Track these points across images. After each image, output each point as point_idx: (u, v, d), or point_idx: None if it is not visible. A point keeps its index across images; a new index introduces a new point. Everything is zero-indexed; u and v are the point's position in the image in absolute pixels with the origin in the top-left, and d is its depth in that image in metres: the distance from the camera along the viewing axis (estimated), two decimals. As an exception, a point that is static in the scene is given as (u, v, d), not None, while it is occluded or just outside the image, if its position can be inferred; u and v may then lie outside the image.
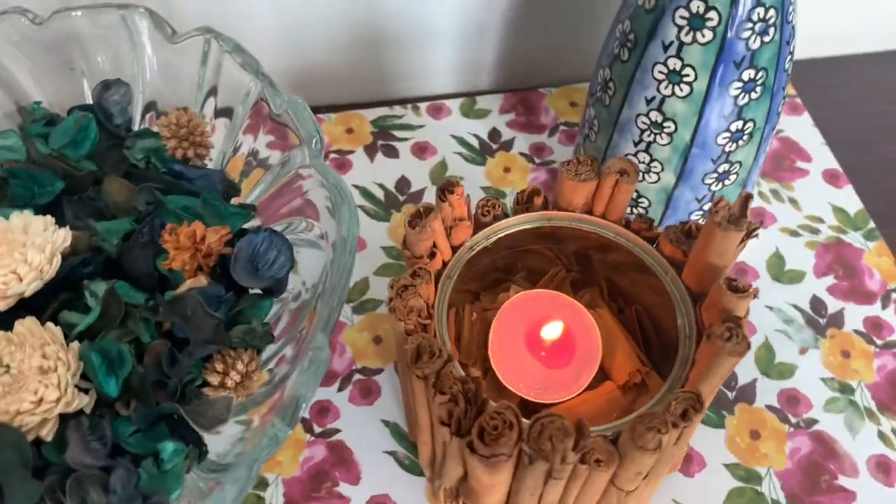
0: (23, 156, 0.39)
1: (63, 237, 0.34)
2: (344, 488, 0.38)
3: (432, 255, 0.32)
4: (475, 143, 0.52)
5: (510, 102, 0.54)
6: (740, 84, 0.37)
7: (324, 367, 0.28)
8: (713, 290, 0.30)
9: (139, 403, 0.32)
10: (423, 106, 0.54)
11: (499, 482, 0.29)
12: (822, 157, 0.51)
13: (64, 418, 0.30)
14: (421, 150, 0.51)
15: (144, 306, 0.34)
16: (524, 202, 0.35)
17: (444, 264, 0.33)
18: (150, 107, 0.42)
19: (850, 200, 0.49)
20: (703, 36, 0.35)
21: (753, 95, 0.37)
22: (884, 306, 0.45)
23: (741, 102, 0.38)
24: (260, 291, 0.36)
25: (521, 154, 0.51)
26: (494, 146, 0.52)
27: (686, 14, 0.35)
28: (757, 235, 0.30)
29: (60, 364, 0.31)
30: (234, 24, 0.47)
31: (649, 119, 0.39)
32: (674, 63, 0.37)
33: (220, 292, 0.34)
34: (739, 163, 0.41)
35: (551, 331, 0.33)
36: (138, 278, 0.35)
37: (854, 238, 0.47)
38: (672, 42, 0.36)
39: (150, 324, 0.34)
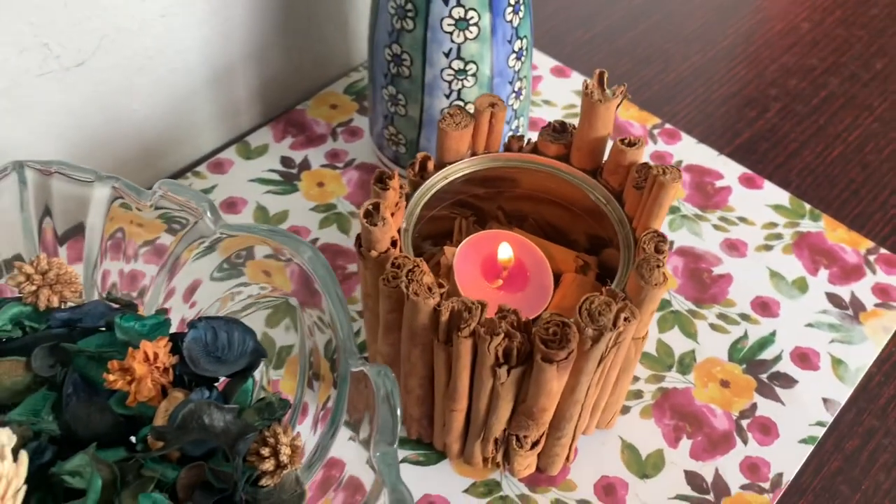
0: None
1: (8, 434, 0.29)
2: (391, 512, 0.38)
3: (394, 244, 0.33)
4: (276, 176, 0.52)
5: (279, 130, 0.55)
6: (510, 8, 0.43)
7: (391, 373, 0.29)
8: (612, 155, 0.36)
9: (204, 537, 0.29)
10: (202, 168, 0.52)
11: (561, 386, 0.32)
12: (540, 60, 0.61)
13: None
14: (231, 205, 0.50)
15: (140, 452, 0.31)
16: (419, 171, 0.37)
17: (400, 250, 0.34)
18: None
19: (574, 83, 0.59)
20: (473, -21, 0.41)
21: (520, 14, 0.44)
22: (654, 142, 0.55)
23: (515, 24, 0.44)
24: (226, 377, 0.34)
25: (323, 166, 0.53)
26: (295, 171, 0.53)
27: (453, -33, 0.40)
28: (628, 96, 0.36)
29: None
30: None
31: (453, 69, 0.44)
32: (458, 12, 0.42)
33: (205, 393, 0.32)
34: (525, 77, 0.47)
35: (504, 252, 0.37)
36: (104, 434, 0.32)
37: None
38: (450, -6, 0.41)
39: (157, 460, 0.30)
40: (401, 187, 0.36)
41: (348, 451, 0.32)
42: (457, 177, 0.38)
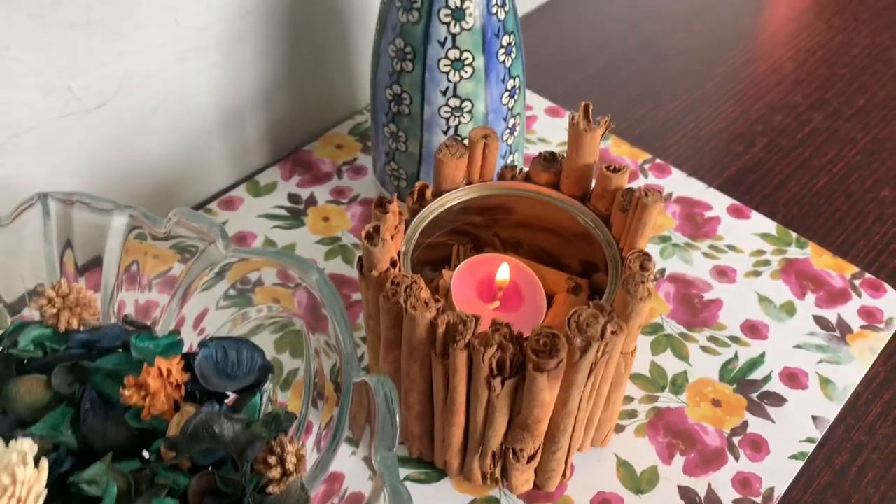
0: None
1: (29, 444, 0.31)
2: (393, 527, 0.40)
3: (394, 265, 0.35)
4: (284, 212, 0.55)
5: (286, 169, 0.58)
6: (503, 49, 0.46)
7: (389, 380, 0.30)
8: (599, 181, 0.39)
9: (214, 541, 0.31)
10: (213, 205, 0.55)
11: (555, 396, 0.34)
12: (534, 101, 0.64)
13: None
14: (241, 240, 0.53)
15: (154, 461, 0.32)
16: (418, 199, 0.40)
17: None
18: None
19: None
20: (467, 23, 0.44)
21: (512, 56, 0.47)
22: (645, 177, 0.58)
23: (508, 64, 0.47)
24: (236, 393, 0.36)
25: (328, 202, 0.56)
26: (301, 206, 0.55)
27: (448, 10, 0.43)
28: (611, 126, 0.38)
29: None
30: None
31: (450, 106, 0.46)
32: (453, 53, 0.44)
33: (215, 407, 0.34)
34: (519, 114, 0.50)
35: (503, 273, 0.39)
36: (119, 447, 0.33)
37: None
38: (445, 37, 0.44)
39: (169, 469, 0.32)
40: (400, 213, 0.38)
41: (349, 465, 0.34)
42: (453, 204, 0.40)
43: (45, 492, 0.29)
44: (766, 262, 0.52)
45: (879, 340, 0.48)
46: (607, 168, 0.38)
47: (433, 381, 0.36)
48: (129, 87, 0.46)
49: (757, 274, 0.51)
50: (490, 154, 0.40)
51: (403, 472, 0.42)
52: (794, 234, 0.54)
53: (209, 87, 0.51)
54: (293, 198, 0.56)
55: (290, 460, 0.32)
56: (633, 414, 0.44)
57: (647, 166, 0.58)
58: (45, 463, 0.30)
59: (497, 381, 0.33)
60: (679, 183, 0.57)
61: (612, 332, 0.33)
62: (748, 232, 0.54)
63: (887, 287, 0.51)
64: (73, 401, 0.35)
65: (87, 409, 0.34)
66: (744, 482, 0.42)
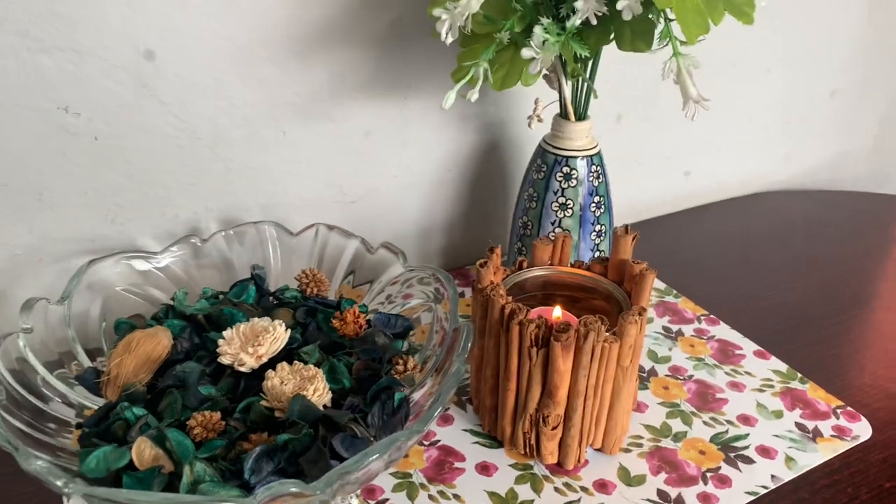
0: (207, 311, 0.63)
1: (280, 322, 0.59)
2: (458, 463, 0.62)
3: (491, 283, 0.61)
4: (442, 297, 0.82)
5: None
6: (595, 204, 0.73)
7: (470, 324, 0.55)
8: (628, 270, 0.63)
9: (360, 389, 0.56)
10: (399, 287, 0.84)
11: (568, 368, 0.57)
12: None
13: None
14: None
15: (341, 354, 0.59)
16: (517, 267, 0.66)
17: (495, 294, 0.62)
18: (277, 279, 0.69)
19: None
20: (573, 183, 0.72)
21: (602, 209, 0.74)
22: (699, 323, 0.79)
23: (597, 214, 0.74)
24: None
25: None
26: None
27: (561, 174, 0.72)
28: (637, 238, 0.63)
29: (319, 374, 0.54)
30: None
31: (555, 233, 0.74)
32: (561, 199, 0.73)
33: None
34: (603, 251, 0.76)
35: (556, 312, 0.63)
36: (324, 343, 0.60)
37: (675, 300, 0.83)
38: (558, 189, 0.72)
39: (345, 356, 0.58)
40: (503, 267, 0.65)
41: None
42: (537, 274, 0.66)
43: (286, 341, 0.57)
44: (771, 386, 0.71)
45: (843, 445, 0.64)
46: (633, 262, 0.63)
47: (499, 352, 0.60)
48: (371, 196, 0.79)
49: (762, 391, 0.70)
50: (566, 248, 0.66)
51: (475, 438, 0.64)
52: (800, 374, 0.72)
53: (415, 210, 0.82)
54: (450, 292, 0.84)
55: (409, 365, 0.57)
56: (639, 445, 0.64)
57: (702, 318, 0.80)
58: (288, 330, 0.58)
59: (534, 350, 0.57)
60: (722, 331, 0.78)
61: (608, 332, 0.56)
62: (765, 367, 0.73)
63: (862, 417, 0.67)
64: (305, 325, 0.63)
65: (311, 328, 0.62)
66: (705, 498, 0.59)
